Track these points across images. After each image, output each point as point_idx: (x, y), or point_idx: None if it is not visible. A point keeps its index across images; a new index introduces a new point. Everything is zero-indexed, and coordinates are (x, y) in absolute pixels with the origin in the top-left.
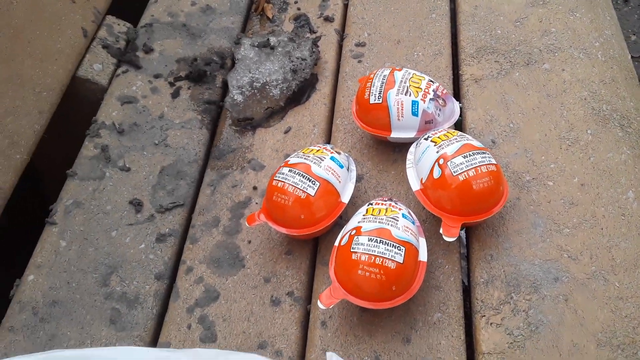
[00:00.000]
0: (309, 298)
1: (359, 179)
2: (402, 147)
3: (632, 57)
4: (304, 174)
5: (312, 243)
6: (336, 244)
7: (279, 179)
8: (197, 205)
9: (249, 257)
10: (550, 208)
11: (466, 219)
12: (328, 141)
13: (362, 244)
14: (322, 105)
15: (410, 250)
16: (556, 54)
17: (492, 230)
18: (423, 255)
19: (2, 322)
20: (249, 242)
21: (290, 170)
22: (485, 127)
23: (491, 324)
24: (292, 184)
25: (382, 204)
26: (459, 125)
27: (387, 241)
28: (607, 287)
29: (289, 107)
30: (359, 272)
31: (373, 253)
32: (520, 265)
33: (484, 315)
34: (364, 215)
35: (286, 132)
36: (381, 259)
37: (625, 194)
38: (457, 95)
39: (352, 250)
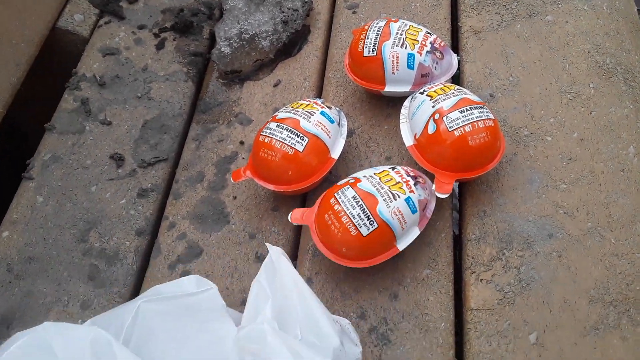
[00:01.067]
0: (295, 255)
1: (350, 133)
2: (396, 101)
3: (638, 10)
4: (292, 130)
5: (300, 199)
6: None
7: (266, 134)
8: (181, 160)
9: (234, 213)
10: (548, 163)
11: (460, 175)
12: (319, 95)
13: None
14: (313, 57)
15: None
16: (560, 6)
17: (486, 186)
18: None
19: None
20: (235, 197)
21: (278, 126)
22: (483, 81)
23: (481, 280)
24: (280, 139)
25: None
26: (457, 79)
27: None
28: (603, 244)
29: (279, 59)
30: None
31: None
32: (514, 221)
33: (474, 272)
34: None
35: (275, 85)
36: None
37: (626, 149)
38: (455, 47)
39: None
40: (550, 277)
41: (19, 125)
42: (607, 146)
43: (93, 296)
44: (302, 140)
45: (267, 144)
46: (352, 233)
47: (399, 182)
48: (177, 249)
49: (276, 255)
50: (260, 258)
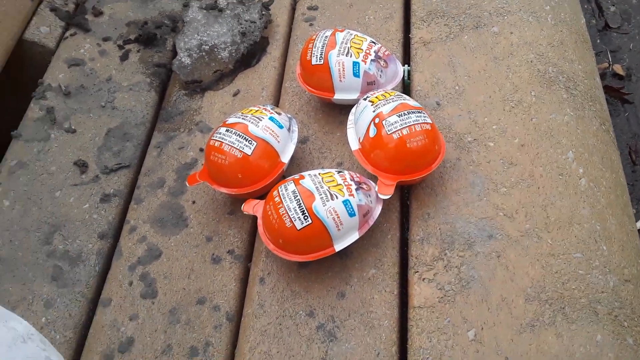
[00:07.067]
0: (249, 256)
1: (304, 140)
2: (348, 109)
3: (610, 27)
4: (240, 134)
5: None
6: None
7: (216, 138)
8: (143, 167)
9: (193, 217)
10: (490, 168)
11: (401, 177)
12: (277, 104)
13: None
14: (272, 68)
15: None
16: (505, 17)
17: (430, 190)
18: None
19: None
20: (193, 202)
21: (227, 130)
22: (431, 90)
23: (424, 279)
24: (229, 143)
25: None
26: (408, 88)
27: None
28: (540, 244)
29: (238, 70)
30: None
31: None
32: (456, 223)
33: (417, 271)
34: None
35: (235, 94)
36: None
37: (565, 154)
38: (407, 58)
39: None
40: (489, 276)
41: None
42: (547, 151)
43: (56, 296)
44: (250, 144)
45: (217, 148)
46: (287, 225)
47: (340, 184)
48: (137, 251)
49: None
50: (216, 260)
